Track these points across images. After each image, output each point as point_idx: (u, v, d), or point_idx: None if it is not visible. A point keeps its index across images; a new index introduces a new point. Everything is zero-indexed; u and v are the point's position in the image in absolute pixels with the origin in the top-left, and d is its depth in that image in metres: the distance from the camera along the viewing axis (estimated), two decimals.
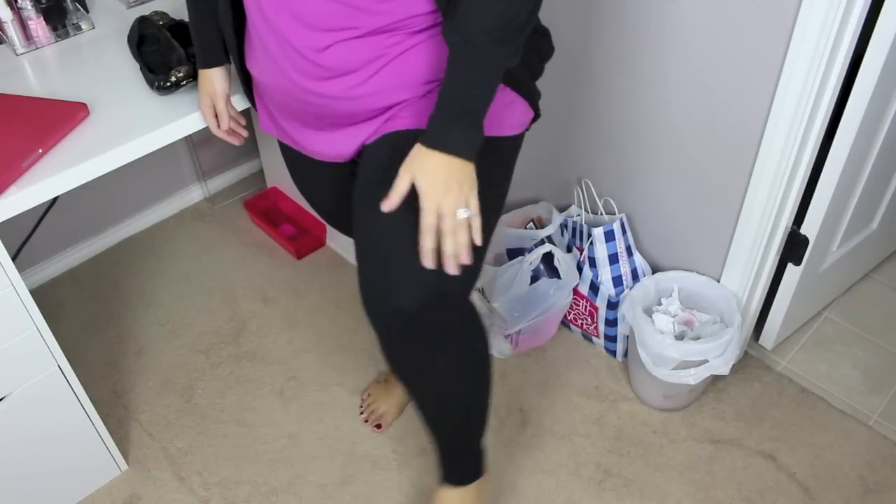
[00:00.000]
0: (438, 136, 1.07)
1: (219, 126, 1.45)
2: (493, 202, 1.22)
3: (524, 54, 1.13)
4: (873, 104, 1.53)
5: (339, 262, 2.25)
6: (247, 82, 1.39)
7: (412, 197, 1.09)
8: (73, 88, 1.46)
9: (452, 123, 1.07)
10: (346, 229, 1.61)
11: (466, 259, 1.10)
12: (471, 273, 1.19)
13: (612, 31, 1.66)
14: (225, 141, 1.47)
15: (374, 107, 1.19)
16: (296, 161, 1.46)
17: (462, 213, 1.08)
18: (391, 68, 1.15)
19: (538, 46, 1.24)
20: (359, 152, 1.27)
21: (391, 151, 1.15)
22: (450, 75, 1.07)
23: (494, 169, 1.21)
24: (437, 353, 1.26)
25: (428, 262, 1.10)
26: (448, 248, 1.09)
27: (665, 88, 1.64)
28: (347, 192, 1.39)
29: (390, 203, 1.09)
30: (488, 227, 1.18)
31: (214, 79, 1.39)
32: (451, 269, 1.10)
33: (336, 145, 1.27)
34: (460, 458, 1.48)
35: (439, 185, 1.06)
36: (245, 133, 1.48)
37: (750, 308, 1.84)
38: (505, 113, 1.20)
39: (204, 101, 1.42)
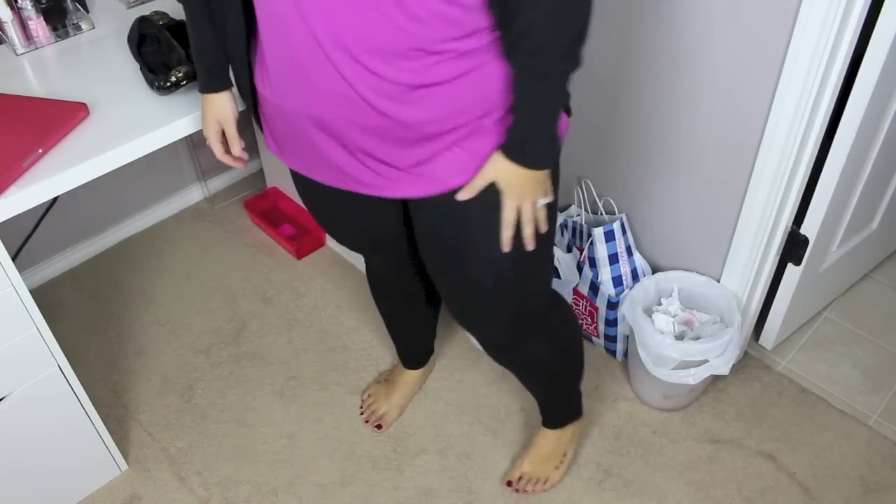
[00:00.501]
0: (517, 151, 1.13)
1: (225, 151, 1.36)
2: (552, 205, 1.28)
3: None
4: (873, 104, 1.53)
5: (339, 262, 2.25)
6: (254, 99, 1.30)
7: (496, 227, 1.20)
8: (73, 88, 1.46)
9: (529, 141, 1.13)
10: (364, 249, 1.55)
11: (543, 228, 1.23)
12: (543, 279, 1.38)
13: (612, 32, 1.66)
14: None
15: (425, 133, 1.12)
16: (314, 190, 1.35)
17: (541, 202, 1.20)
18: (440, 94, 1.09)
19: None
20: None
21: (461, 206, 1.19)
22: (520, 98, 1.09)
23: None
24: (531, 348, 1.45)
25: (507, 248, 1.21)
26: (528, 231, 1.20)
27: (665, 88, 1.64)
28: (375, 219, 1.38)
29: (466, 196, 1.17)
30: (552, 225, 1.28)
31: (224, 103, 1.31)
32: (531, 245, 1.22)
33: (382, 176, 1.19)
34: (556, 409, 1.68)
35: (518, 189, 1.16)
36: (247, 156, 1.38)
37: (750, 308, 1.84)
38: None
39: (212, 126, 1.33)
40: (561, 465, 1.71)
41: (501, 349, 1.49)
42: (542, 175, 1.16)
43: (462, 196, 1.17)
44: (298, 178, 1.36)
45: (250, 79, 1.24)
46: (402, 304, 1.72)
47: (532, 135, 1.12)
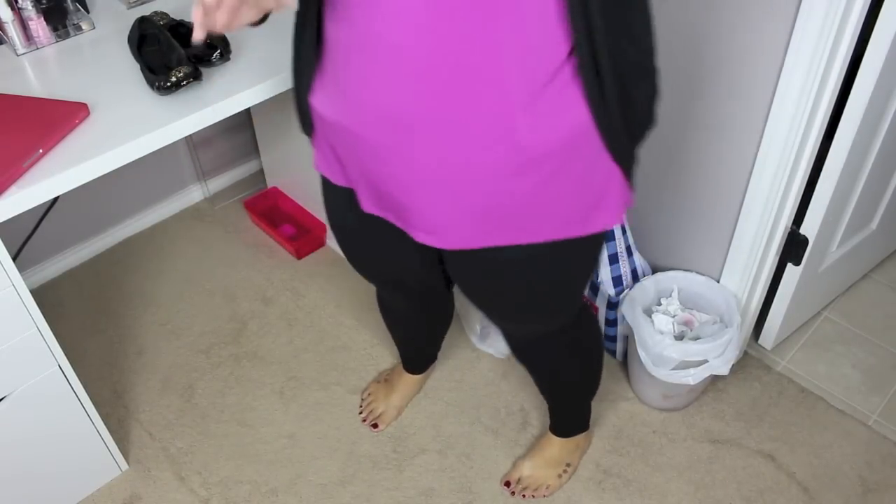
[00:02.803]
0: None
1: None
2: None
3: None
4: (873, 104, 1.53)
5: (339, 261, 2.25)
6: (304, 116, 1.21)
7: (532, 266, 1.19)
8: (73, 88, 1.46)
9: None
10: (391, 286, 1.50)
11: None
12: (580, 296, 1.36)
13: None
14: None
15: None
16: (361, 220, 1.26)
17: None
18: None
19: None
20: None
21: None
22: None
23: None
24: (551, 354, 1.48)
25: None
26: None
27: (665, 88, 1.64)
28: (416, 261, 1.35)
29: None
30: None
31: None
32: None
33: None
34: (564, 417, 1.70)
35: None
36: None
37: (749, 308, 1.84)
38: None
39: None
40: (564, 475, 1.72)
41: (522, 351, 1.51)
42: None
43: None
44: (332, 195, 1.30)
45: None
46: (415, 328, 1.73)
47: None
